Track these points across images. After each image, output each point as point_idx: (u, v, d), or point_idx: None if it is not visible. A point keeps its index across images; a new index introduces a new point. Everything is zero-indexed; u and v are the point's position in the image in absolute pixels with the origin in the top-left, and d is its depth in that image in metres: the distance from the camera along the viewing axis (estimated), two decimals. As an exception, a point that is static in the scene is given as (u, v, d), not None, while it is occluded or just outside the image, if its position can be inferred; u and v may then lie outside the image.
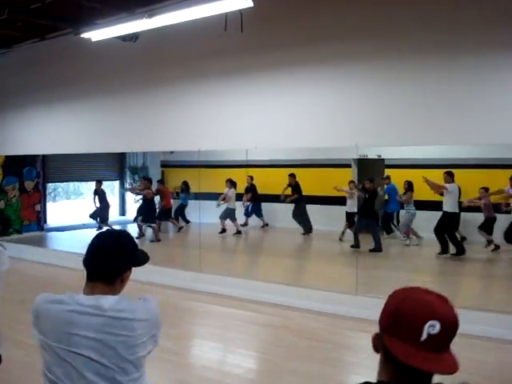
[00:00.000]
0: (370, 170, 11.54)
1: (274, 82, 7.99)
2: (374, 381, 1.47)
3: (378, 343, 1.47)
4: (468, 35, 6.39)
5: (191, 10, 6.75)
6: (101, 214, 14.37)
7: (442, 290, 1.54)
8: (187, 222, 14.96)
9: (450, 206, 10.01)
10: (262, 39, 7.87)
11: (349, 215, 11.98)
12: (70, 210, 15.69)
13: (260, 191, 13.82)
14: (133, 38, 8.79)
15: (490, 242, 10.55)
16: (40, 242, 13.24)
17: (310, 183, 12.96)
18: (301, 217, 12.83)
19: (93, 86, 10.22)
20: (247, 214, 14.07)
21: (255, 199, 13.89)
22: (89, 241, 2.21)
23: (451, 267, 9.86)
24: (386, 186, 11.96)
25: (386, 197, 12.06)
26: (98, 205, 14.43)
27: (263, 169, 13.66)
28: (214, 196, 13.24)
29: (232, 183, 13.63)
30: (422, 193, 11.00)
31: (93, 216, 14.43)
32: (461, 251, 10.04)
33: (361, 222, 11.08)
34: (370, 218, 10.97)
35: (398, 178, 11.99)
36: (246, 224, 14.11)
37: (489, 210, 10.61)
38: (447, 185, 10.05)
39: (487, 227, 10.65)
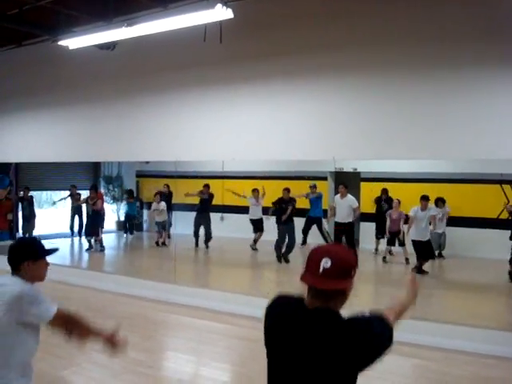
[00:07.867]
0: (345, 182, 11.57)
1: (252, 93, 8.00)
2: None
3: None
4: (446, 49, 6.47)
5: (171, 19, 6.73)
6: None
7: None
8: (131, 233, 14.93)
9: None
10: (240, 50, 7.88)
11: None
12: (43, 220, 15.38)
13: (240, 203, 13.51)
14: (110, 46, 8.72)
15: None
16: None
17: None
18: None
19: (68, 94, 10.09)
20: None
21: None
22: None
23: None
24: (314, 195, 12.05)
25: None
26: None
27: (239, 180, 13.59)
28: (189, 207, 13.11)
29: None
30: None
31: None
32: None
33: None
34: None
35: (371, 190, 12.17)
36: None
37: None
38: None
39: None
